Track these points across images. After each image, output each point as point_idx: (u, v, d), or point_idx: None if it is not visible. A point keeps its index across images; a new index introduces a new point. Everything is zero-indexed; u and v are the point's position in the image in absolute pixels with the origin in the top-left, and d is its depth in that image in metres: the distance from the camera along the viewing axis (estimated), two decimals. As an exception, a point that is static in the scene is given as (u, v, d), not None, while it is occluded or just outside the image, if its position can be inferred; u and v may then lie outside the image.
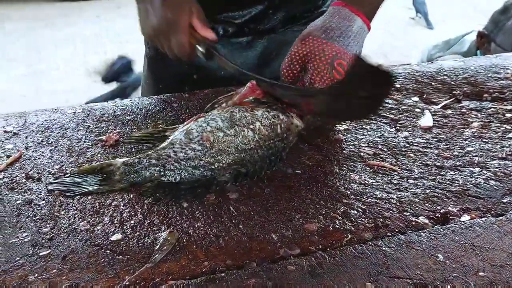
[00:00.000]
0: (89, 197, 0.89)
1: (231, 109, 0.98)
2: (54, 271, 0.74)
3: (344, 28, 1.07)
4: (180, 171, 0.91)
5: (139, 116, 1.15)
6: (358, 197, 0.89)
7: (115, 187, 0.91)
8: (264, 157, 0.95)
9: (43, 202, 0.88)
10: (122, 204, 0.88)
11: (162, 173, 0.91)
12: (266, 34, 1.41)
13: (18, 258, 0.76)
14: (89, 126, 1.11)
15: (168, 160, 0.91)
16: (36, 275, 0.73)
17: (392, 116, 1.14)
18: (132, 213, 0.85)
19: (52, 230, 0.82)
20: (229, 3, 1.37)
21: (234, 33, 1.38)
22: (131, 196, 0.89)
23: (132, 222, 0.84)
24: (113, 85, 3.82)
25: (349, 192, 0.91)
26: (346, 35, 1.07)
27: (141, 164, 0.91)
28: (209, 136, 0.93)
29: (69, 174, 0.94)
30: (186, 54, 1.14)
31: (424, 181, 0.93)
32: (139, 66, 2.77)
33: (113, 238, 0.80)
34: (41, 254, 0.77)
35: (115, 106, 1.20)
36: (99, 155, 1.01)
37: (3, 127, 1.10)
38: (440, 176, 0.94)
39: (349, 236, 0.81)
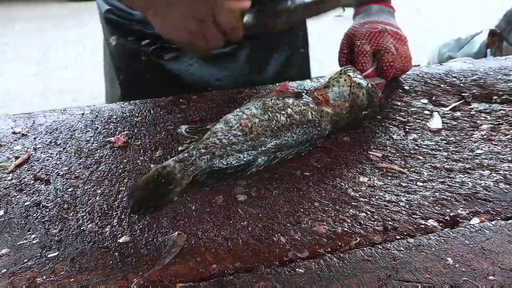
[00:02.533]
0: (97, 198, 0.90)
1: (263, 99, 1.03)
2: (63, 273, 0.74)
3: (364, 15, 1.32)
4: (228, 156, 0.95)
5: (147, 117, 1.16)
6: (367, 200, 0.89)
7: (183, 185, 0.91)
8: (299, 142, 1.00)
9: (52, 203, 0.88)
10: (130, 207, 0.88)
11: (214, 160, 0.94)
12: (249, 40, 1.38)
13: (27, 260, 0.76)
14: (97, 128, 1.11)
15: (216, 147, 0.95)
16: (45, 277, 0.73)
17: (401, 118, 1.14)
18: (141, 215, 0.85)
19: (61, 232, 0.82)
20: None
21: None
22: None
23: (141, 224, 0.84)
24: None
25: (358, 195, 0.90)
26: (367, 16, 1.32)
27: (192, 156, 0.93)
28: (247, 122, 0.98)
29: (136, 192, 0.89)
30: (233, 27, 1.10)
31: (433, 184, 0.92)
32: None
33: (122, 240, 0.80)
34: (49, 256, 0.77)
35: (123, 107, 1.20)
36: (107, 157, 1.01)
37: (12, 128, 1.11)
38: (449, 179, 0.94)
39: (358, 239, 0.80)
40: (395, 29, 1.27)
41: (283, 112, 1.00)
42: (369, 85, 1.10)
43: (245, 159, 0.96)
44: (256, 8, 1.13)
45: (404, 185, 0.93)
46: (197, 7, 1.05)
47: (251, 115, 0.99)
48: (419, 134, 1.08)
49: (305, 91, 1.13)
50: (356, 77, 1.09)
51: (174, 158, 0.93)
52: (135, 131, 1.10)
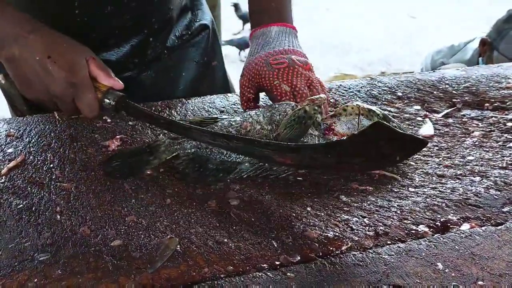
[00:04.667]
0: (91, 201, 0.90)
1: (274, 111, 1.01)
2: (54, 276, 0.74)
3: (262, 41, 1.15)
4: (212, 148, 0.98)
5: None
6: (358, 205, 0.89)
7: (162, 159, 0.98)
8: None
9: (44, 207, 0.88)
10: (123, 210, 0.88)
11: (199, 148, 0.99)
12: (152, 63, 1.34)
13: (18, 263, 0.76)
14: (92, 131, 1.11)
15: None
16: (36, 280, 0.73)
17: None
18: (133, 219, 0.86)
19: (53, 236, 0.82)
20: (106, 38, 1.23)
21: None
22: (133, 201, 0.90)
23: (133, 228, 0.84)
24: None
25: (350, 200, 0.91)
26: (266, 43, 1.14)
27: (184, 137, 1.00)
28: (247, 125, 0.99)
29: (118, 156, 1.01)
30: (96, 113, 1.02)
31: (425, 190, 0.93)
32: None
33: (113, 243, 0.80)
34: (41, 259, 0.77)
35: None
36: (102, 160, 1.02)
37: (6, 131, 1.11)
38: (440, 185, 0.94)
39: (350, 244, 0.81)
40: (301, 58, 1.10)
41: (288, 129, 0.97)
42: (384, 112, 1.03)
43: (229, 158, 0.98)
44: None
45: (395, 190, 0.93)
46: (63, 63, 0.97)
47: (256, 120, 1.00)
48: (411, 140, 1.08)
49: None
50: (365, 104, 1.03)
51: (169, 135, 1.02)
52: (128, 135, 1.10)
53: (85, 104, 1.00)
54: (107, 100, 1.00)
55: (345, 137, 0.93)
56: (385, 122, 0.77)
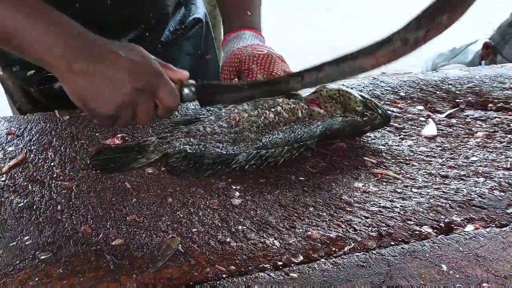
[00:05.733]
0: (92, 200, 0.89)
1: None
2: (55, 275, 0.74)
3: (238, 40, 1.20)
4: (205, 143, 0.99)
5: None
6: (361, 205, 0.89)
7: (151, 158, 0.99)
8: (285, 141, 1.00)
9: (45, 206, 0.88)
10: (124, 209, 0.87)
11: (190, 144, 1.00)
12: None
13: (19, 262, 0.76)
14: (93, 130, 1.11)
15: (197, 133, 1.00)
16: (37, 279, 0.73)
17: (396, 124, 1.14)
18: (135, 218, 0.85)
19: (54, 234, 0.81)
20: (104, 32, 1.08)
21: None
22: (134, 200, 0.89)
23: (135, 227, 0.83)
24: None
25: (352, 200, 0.90)
26: (243, 41, 1.19)
27: (172, 136, 1.01)
28: (235, 115, 1.01)
29: (107, 151, 1.02)
30: (177, 104, 0.96)
31: (428, 190, 0.92)
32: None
33: (115, 243, 0.80)
34: (42, 258, 0.77)
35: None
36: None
37: (7, 129, 1.10)
38: (444, 186, 0.94)
39: (352, 244, 0.80)
40: (277, 53, 1.15)
41: (272, 109, 1.01)
42: (359, 92, 1.09)
43: (224, 151, 0.99)
44: (197, 82, 1.00)
45: (399, 191, 0.93)
46: (140, 73, 0.88)
47: (242, 110, 1.02)
48: (415, 141, 1.08)
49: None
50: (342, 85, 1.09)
51: (159, 135, 1.03)
52: (130, 133, 1.09)
53: (168, 94, 0.92)
54: (187, 91, 0.97)
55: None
56: None
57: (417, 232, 0.83)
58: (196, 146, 1.00)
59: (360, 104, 1.04)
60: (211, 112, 1.12)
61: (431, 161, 1.01)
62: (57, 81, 0.96)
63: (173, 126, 1.09)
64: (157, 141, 1.01)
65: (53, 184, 0.93)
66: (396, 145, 1.06)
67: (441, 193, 0.92)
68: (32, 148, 1.04)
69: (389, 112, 1.11)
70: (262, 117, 1.00)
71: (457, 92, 1.28)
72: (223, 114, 1.03)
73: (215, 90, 1.02)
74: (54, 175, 0.96)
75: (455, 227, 0.84)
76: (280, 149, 0.99)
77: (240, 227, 0.84)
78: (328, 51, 6.40)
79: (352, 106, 1.04)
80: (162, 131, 1.09)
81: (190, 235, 0.82)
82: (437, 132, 1.11)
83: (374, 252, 0.78)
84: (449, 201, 0.90)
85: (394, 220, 0.85)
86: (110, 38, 1.09)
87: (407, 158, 1.02)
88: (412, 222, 0.85)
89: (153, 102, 0.92)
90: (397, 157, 1.02)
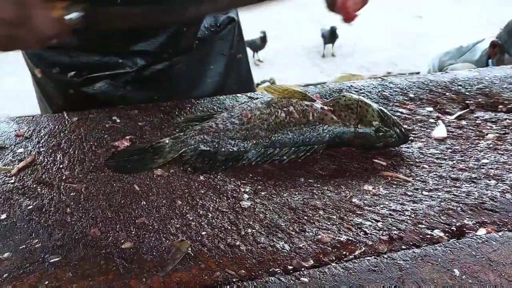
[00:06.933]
0: (101, 202, 0.89)
1: (272, 97, 1.07)
2: (65, 278, 0.73)
3: None
4: (218, 140, 1.01)
5: (151, 122, 1.15)
6: (372, 208, 0.88)
7: (168, 158, 1.00)
8: (293, 142, 1.01)
9: (55, 208, 0.88)
10: (133, 212, 0.87)
11: (204, 141, 1.01)
12: (184, 55, 1.35)
13: (29, 265, 0.76)
14: (101, 131, 1.10)
15: (210, 130, 1.02)
16: (47, 282, 0.73)
17: (406, 126, 1.13)
18: (144, 221, 0.85)
19: (63, 237, 0.81)
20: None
21: (148, 64, 1.25)
22: (143, 203, 0.89)
23: (144, 230, 0.83)
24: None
25: (362, 203, 0.89)
26: None
27: (186, 135, 1.03)
28: (248, 113, 1.03)
29: (121, 153, 1.03)
30: (57, 32, 0.89)
31: (439, 193, 0.92)
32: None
33: (124, 246, 0.79)
34: (52, 261, 0.76)
35: (127, 112, 1.19)
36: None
37: (15, 131, 1.10)
38: (455, 188, 0.93)
39: (363, 248, 0.79)
40: None
41: (285, 109, 1.02)
42: (379, 106, 1.07)
43: (235, 148, 1.00)
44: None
45: (409, 194, 0.92)
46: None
47: (255, 107, 1.04)
48: (424, 143, 1.07)
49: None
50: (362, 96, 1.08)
51: (171, 136, 1.05)
52: (138, 135, 1.09)
53: (40, 23, 0.86)
54: (73, 15, 0.87)
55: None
56: None
57: (428, 236, 0.82)
58: (210, 143, 1.01)
59: (377, 118, 1.03)
60: (220, 110, 1.15)
61: (441, 163, 1.00)
62: (97, 82, 1.06)
63: (185, 123, 1.10)
64: (171, 141, 1.02)
65: (62, 187, 0.93)
66: (406, 147, 1.05)
67: (452, 196, 0.91)
68: (41, 150, 1.04)
69: (407, 133, 1.07)
70: (274, 116, 1.02)
71: (467, 93, 1.27)
72: (236, 110, 1.05)
73: (108, 16, 0.97)
74: (63, 177, 0.96)
75: (467, 231, 0.83)
76: (287, 149, 1.01)
77: (249, 230, 0.83)
78: (336, 49, 6.41)
79: (368, 119, 1.03)
80: (171, 133, 1.09)
81: (199, 238, 0.81)
82: (447, 134, 1.10)
83: (385, 256, 0.77)
84: (461, 204, 0.89)
85: (405, 223, 0.85)
86: (151, 32, 1.13)
87: (417, 160, 1.01)
88: (424, 226, 0.84)
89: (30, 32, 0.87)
90: (407, 159, 1.02)
